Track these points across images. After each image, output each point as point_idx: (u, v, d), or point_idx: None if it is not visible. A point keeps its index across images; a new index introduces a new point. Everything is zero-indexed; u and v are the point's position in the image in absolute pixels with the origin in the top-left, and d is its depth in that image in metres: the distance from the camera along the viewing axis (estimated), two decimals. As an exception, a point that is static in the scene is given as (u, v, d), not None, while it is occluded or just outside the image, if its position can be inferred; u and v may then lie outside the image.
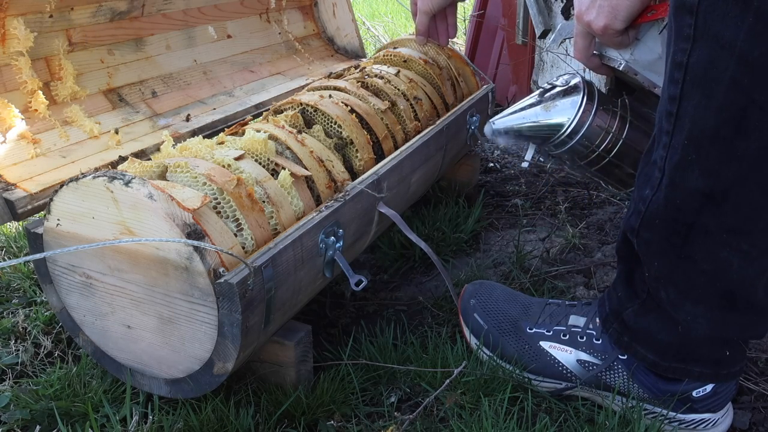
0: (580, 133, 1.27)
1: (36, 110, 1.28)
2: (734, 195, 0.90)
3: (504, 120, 1.35)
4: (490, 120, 1.37)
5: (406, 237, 1.26)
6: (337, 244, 1.15)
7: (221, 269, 0.95)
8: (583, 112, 1.26)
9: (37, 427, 1.07)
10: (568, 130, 1.27)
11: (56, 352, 1.29)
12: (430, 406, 1.15)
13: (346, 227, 1.18)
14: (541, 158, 2.10)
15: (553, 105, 1.29)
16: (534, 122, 1.31)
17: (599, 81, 1.69)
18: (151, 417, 1.07)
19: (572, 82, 1.32)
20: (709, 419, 1.09)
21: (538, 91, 1.36)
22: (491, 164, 2.21)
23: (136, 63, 1.53)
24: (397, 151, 1.42)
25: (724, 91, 0.84)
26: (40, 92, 1.28)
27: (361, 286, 1.13)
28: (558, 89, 1.32)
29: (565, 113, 1.28)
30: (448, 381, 1.16)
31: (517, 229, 1.76)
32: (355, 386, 1.17)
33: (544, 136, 1.31)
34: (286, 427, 1.10)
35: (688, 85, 0.88)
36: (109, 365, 1.14)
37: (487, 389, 1.16)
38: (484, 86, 1.92)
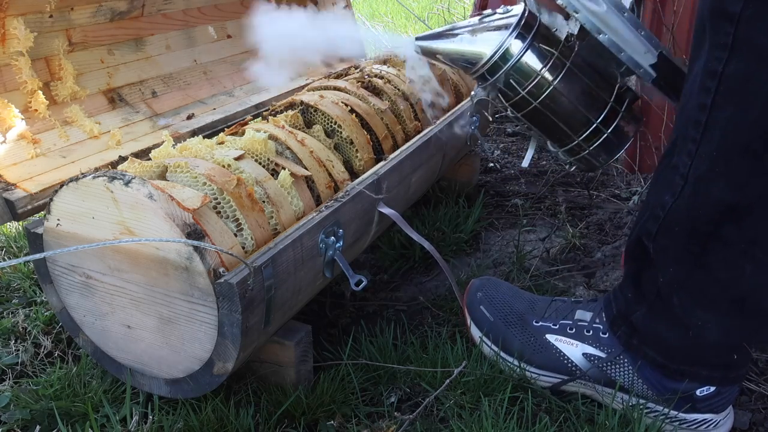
0: (500, 71, 1.16)
1: (36, 110, 1.28)
2: (759, 209, 0.88)
3: (427, 40, 1.24)
4: (415, 36, 1.27)
5: (406, 237, 1.26)
6: (337, 244, 1.15)
7: (221, 269, 0.95)
8: (507, 47, 1.15)
9: (37, 427, 1.07)
10: (487, 65, 1.17)
11: (56, 352, 1.29)
12: (430, 406, 1.15)
13: (346, 227, 1.18)
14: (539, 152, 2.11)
15: (482, 33, 1.18)
16: (455, 48, 1.20)
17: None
18: (151, 417, 1.07)
19: (513, 11, 1.20)
20: (711, 420, 1.09)
21: (478, 16, 1.25)
22: (491, 164, 2.21)
23: (136, 63, 1.53)
24: (397, 151, 1.42)
25: (761, 107, 0.81)
26: (40, 92, 1.28)
27: (361, 286, 1.13)
28: (496, 17, 1.20)
29: (489, 44, 1.17)
30: (448, 381, 1.16)
31: (517, 229, 1.76)
32: (355, 386, 1.17)
33: (463, 65, 1.21)
34: (286, 427, 1.10)
35: (721, 96, 0.85)
36: (109, 365, 1.14)
37: (487, 389, 1.16)
38: (484, 86, 1.92)
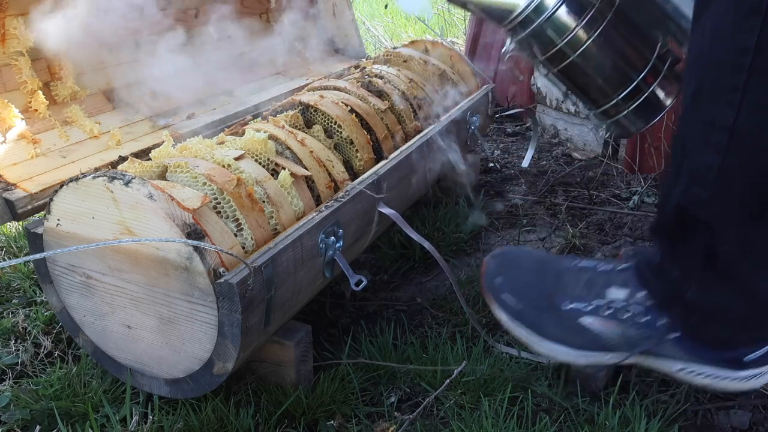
0: (537, 21, 1.09)
1: (36, 110, 1.28)
2: None
3: None
4: None
5: (406, 237, 1.26)
6: (337, 244, 1.15)
7: (221, 269, 0.95)
8: None
9: (37, 427, 1.07)
10: (523, 14, 1.10)
11: (56, 352, 1.29)
12: (430, 406, 1.15)
13: (346, 227, 1.18)
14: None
15: None
16: None
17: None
18: (151, 417, 1.07)
19: None
20: (759, 373, 1.06)
21: None
22: (491, 164, 2.21)
23: (136, 63, 1.53)
24: (397, 151, 1.42)
25: None
26: (40, 92, 1.29)
27: (361, 286, 1.13)
28: None
29: None
30: (448, 381, 1.16)
31: (517, 229, 1.76)
32: (355, 386, 1.17)
33: (497, 15, 1.15)
34: (286, 427, 1.10)
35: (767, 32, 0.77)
36: (109, 365, 1.14)
37: (487, 389, 1.16)
38: (484, 86, 1.92)
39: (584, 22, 1.09)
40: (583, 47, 1.10)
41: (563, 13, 1.09)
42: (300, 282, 1.09)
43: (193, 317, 0.98)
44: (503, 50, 1.23)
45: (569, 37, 1.10)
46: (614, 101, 1.15)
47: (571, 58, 1.11)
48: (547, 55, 1.14)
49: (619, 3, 1.10)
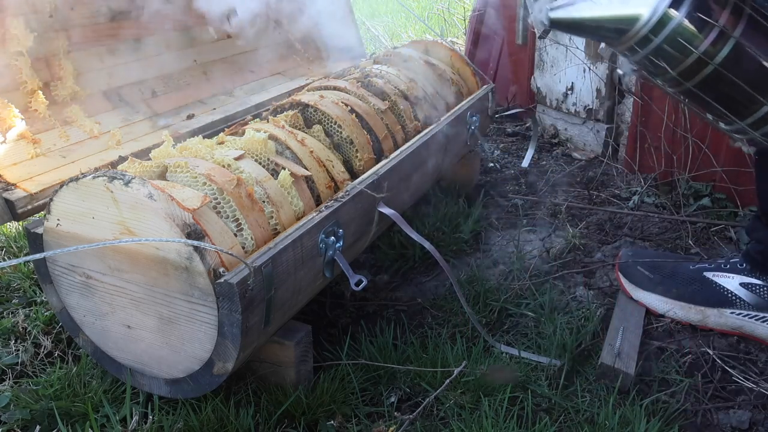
0: (669, 27, 0.93)
1: (36, 110, 1.28)
2: None
3: (564, 8, 1.01)
4: (544, 6, 1.02)
5: (406, 237, 1.26)
6: (337, 244, 1.15)
7: (221, 269, 0.95)
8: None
9: (37, 427, 1.07)
10: (650, 22, 0.93)
11: (56, 352, 1.29)
12: (430, 406, 1.15)
13: (346, 227, 1.18)
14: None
15: None
16: (601, 14, 0.97)
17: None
18: (151, 417, 1.07)
19: None
20: None
21: None
22: (491, 164, 2.21)
23: (136, 63, 1.53)
24: (397, 151, 1.42)
25: None
26: (40, 92, 1.28)
27: (361, 286, 1.13)
28: None
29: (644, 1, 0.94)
30: (448, 381, 1.16)
31: (517, 229, 1.76)
32: (355, 386, 1.17)
33: (615, 30, 0.98)
34: (286, 427, 1.10)
35: None
36: (109, 365, 1.14)
37: (487, 389, 1.16)
38: (484, 86, 1.92)
39: (723, 19, 0.93)
40: (727, 50, 0.93)
41: (694, 18, 0.93)
42: (300, 282, 1.09)
43: (193, 317, 0.98)
44: (618, 71, 1.15)
45: (707, 44, 0.94)
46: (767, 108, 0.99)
47: (710, 68, 0.96)
48: (681, 68, 0.97)
49: None
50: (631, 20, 0.95)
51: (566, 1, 1.01)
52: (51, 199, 1.03)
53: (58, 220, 1.03)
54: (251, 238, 1.04)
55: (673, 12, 0.93)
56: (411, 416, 1.10)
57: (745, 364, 1.24)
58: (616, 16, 0.96)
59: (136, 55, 1.54)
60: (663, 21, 0.93)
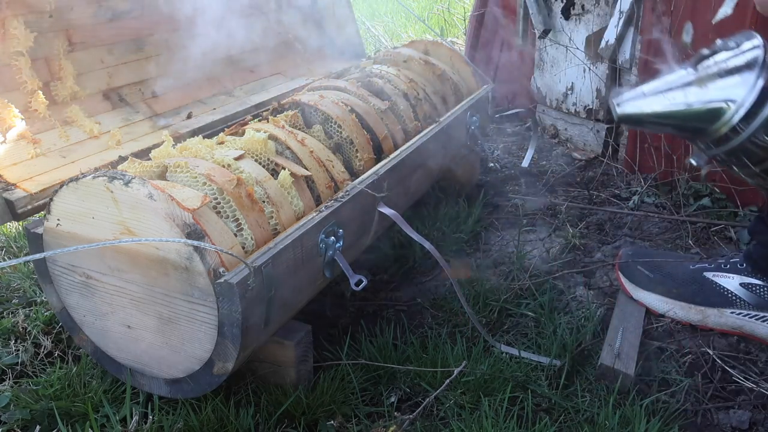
0: (756, 123, 0.88)
1: (36, 110, 1.28)
2: None
3: (635, 102, 0.97)
4: (614, 99, 0.99)
5: (406, 237, 1.26)
6: (337, 244, 1.15)
7: (221, 269, 0.95)
8: (762, 90, 0.86)
9: (37, 427, 1.07)
10: (735, 118, 0.88)
11: (56, 352, 1.29)
12: (430, 406, 1.15)
13: (346, 227, 1.18)
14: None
15: (713, 80, 0.89)
16: (680, 107, 0.91)
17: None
18: (151, 417, 1.07)
19: (746, 46, 0.90)
20: None
21: (692, 59, 0.94)
22: (491, 164, 2.21)
23: (136, 63, 1.53)
24: (397, 151, 1.42)
25: None
26: (40, 92, 1.28)
27: (361, 286, 1.13)
28: (723, 57, 0.91)
29: (730, 92, 0.88)
30: (448, 381, 1.16)
31: (517, 229, 1.76)
32: (355, 386, 1.17)
33: (695, 127, 0.93)
34: (286, 427, 1.10)
35: None
36: (109, 365, 1.14)
37: (487, 389, 1.16)
38: (484, 86, 1.92)
39: None
40: None
41: None
42: (300, 282, 1.09)
43: (193, 317, 0.98)
44: (702, 173, 1.09)
45: None
46: None
47: None
48: (766, 164, 0.91)
49: None
50: (715, 114, 0.89)
51: (632, 95, 0.97)
52: (51, 199, 1.03)
53: (58, 220, 1.04)
54: (251, 238, 1.04)
55: (761, 103, 0.87)
56: (411, 416, 1.10)
57: (745, 364, 1.24)
58: (699, 108, 0.91)
59: (136, 55, 1.54)
60: (748, 116, 0.87)
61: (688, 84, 0.91)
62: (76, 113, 1.35)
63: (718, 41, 0.94)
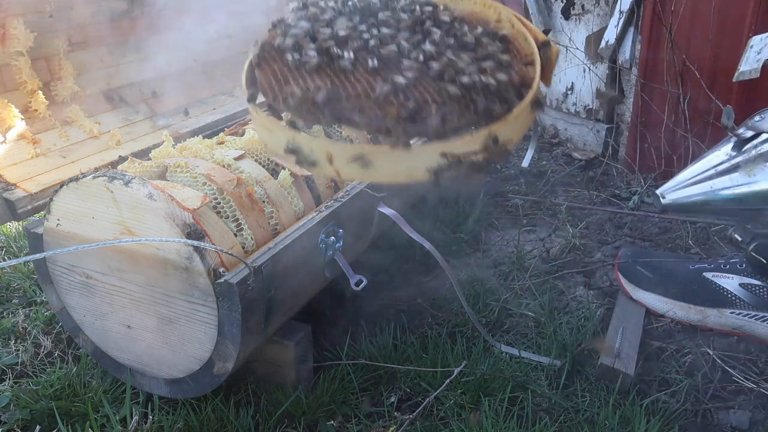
0: None
1: (36, 110, 1.28)
2: None
3: (680, 192, 1.01)
4: (659, 191, 1.05)
5: (406, 237, 1.26)
6: (337, 244, 1.15)
7: (221, 269, 0.95)
8: None
9: (37, 427, 1.07)
10: None
11: (56, 352, 1.29)
12: (430, 406, 1.15)
13: (345, 227, 1.18)
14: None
15: (759, 164, 0.91)
16: (729, 193, 0.95)
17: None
18: (151, 417, 1.07)
19: None
20: None
21: (729, 143, 0.95)
22: (491, 164, 2.21)
23: (136, 63, 1.53)
24: (397, 151, 1.42)
25: None
26: (40, 92, 1.28)
27: (361, 286, 1.13)
28: (763, 138, 0.92)
29: None
30: (448, 381, 1.16)
31: (517, 229, 1.76)
32: (355, 386, 1.17)
33: (747, 211, 0.97)
34: (286, 427, 1.10)
35: None
36: (109, 365, 1.14)
37: (487, 389, 1.16)
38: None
39: None
40: None
41: None
42: (300, 282, 1.09)
43: (193, 317, 0.98)
44: (734, 235, 1.13)
45: None
46: None
47: None
48: None
49: None
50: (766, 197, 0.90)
51: (677, 182, 0.98)
52: (51, 199, 1.03)
53: (58, 220, 1.04)
54: (251, 238, 1.04)
55: None
56: (411, 416, 1.10)
57: (745, 364, 1.24)
58: (749, 192, 0.93)
59: (136, 55, 1.54)
60: None
61: (734, 169, 0.93)
62: (76, 113, 1.35)
63: (756, 117, 0.95)
